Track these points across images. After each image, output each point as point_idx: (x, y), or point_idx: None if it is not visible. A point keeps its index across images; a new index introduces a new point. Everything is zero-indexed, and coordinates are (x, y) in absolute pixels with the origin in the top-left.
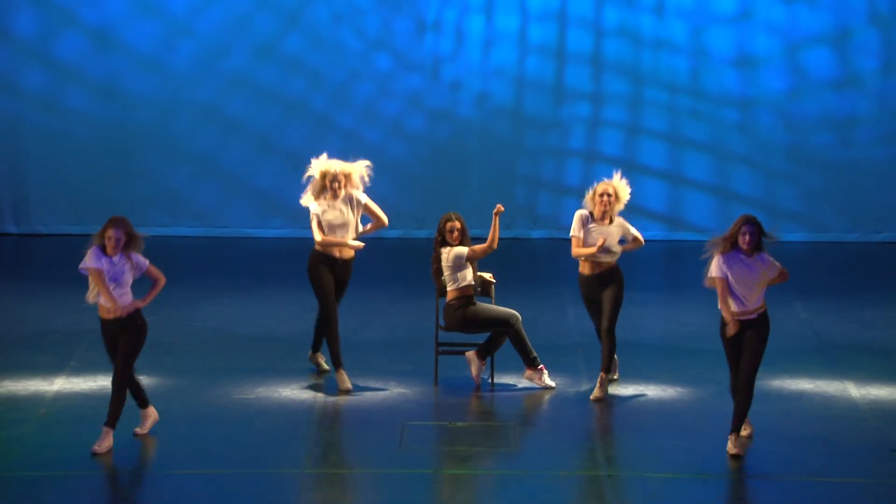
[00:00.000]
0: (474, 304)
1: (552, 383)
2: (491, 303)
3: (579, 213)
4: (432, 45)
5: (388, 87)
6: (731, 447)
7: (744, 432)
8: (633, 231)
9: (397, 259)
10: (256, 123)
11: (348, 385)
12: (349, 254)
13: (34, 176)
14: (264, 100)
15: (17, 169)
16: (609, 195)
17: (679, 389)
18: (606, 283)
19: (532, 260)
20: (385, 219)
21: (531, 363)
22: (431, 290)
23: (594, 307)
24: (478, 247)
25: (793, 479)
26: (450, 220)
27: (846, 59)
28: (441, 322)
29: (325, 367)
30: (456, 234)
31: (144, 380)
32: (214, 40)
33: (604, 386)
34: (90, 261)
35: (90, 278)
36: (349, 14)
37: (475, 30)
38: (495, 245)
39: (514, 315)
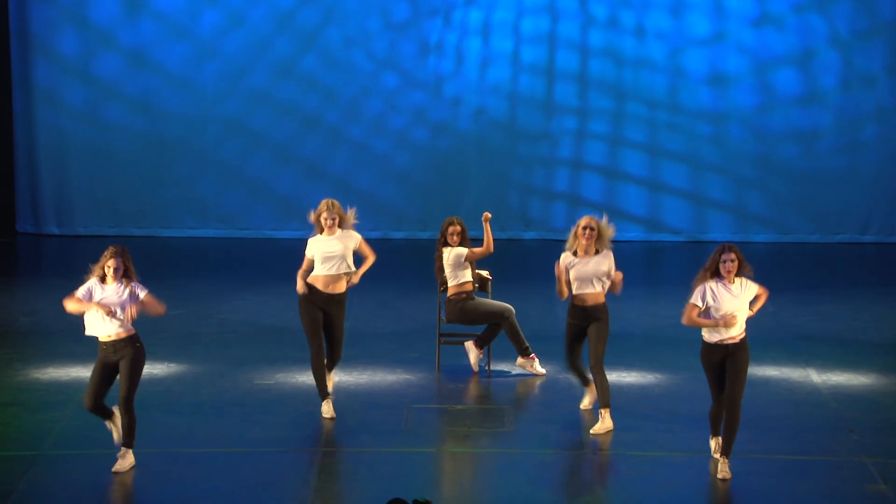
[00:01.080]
0: (472, 298)
1: (543, 370)
2: (488, 297)
3: (562, 257)
4: (435, 65)
5: (395, 102)
6: (721, 470)
7: (724, 475)
8: (613, 267)
9: (403, 258)
10: (276, 135)
11: (331, 413)
12: (338, 289)
13: (76, 183)
14: (283, 114)
15: (61, 176)
16: (592, 229)
17: (657, 376)
18: (593, 318)
19: (525, 259)
20: (373, 256)
21: (524, 352)
22: (434, 286)
23: (578, 342)
24: (476, 249)
25: (760, 456)
26: (451, 223)
27: (809, 78)
28: (443, 315)
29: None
30: (456, 236)
31: (174, 367)
32: (238, 60)
33: (605, 420)
34: (80, 290)
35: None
36: (360, 37)
37: (473, 51)
38: (492, 248)
39: (508, 309)
